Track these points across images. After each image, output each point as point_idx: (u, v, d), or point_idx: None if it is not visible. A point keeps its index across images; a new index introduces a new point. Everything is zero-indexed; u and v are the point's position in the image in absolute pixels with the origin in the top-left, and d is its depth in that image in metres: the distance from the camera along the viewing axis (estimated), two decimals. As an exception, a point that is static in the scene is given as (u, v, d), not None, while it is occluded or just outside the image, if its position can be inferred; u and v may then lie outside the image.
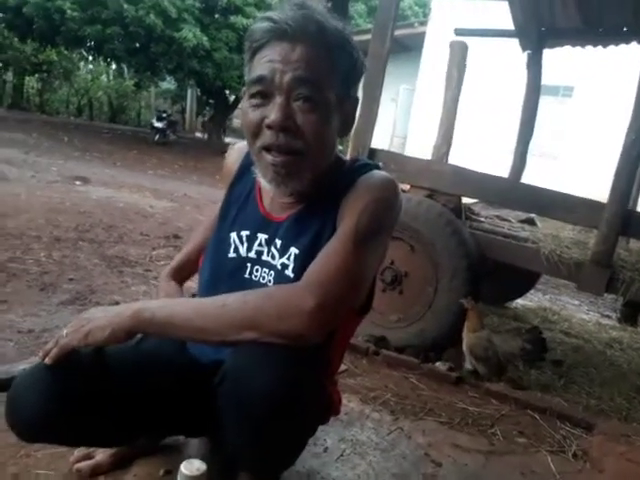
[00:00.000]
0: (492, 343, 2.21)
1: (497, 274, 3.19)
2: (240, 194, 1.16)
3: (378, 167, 1.10)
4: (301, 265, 1.03)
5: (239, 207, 1.15)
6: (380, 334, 2.42)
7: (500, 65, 8.20)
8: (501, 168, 4.20)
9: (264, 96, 0.95)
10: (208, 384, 1.00)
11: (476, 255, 2.40)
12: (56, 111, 20.17)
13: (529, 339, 2.40)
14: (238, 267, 1.11)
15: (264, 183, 1.02)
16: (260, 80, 0.94)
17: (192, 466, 0.92)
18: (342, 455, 1.49)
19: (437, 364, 2.25)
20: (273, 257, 1.07)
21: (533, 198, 2.51)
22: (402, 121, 11.20)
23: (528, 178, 3.00)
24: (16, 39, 15.87)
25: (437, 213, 2.42)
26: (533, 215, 3.33)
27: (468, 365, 2.25)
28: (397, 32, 8.75)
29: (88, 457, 1.23)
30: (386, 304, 2.48)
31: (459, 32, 4.37)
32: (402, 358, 2.26)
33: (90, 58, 18.81)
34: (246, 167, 1.16)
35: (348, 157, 1.15)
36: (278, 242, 1.07)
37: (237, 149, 1.23)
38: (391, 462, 1.50)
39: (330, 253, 0.97)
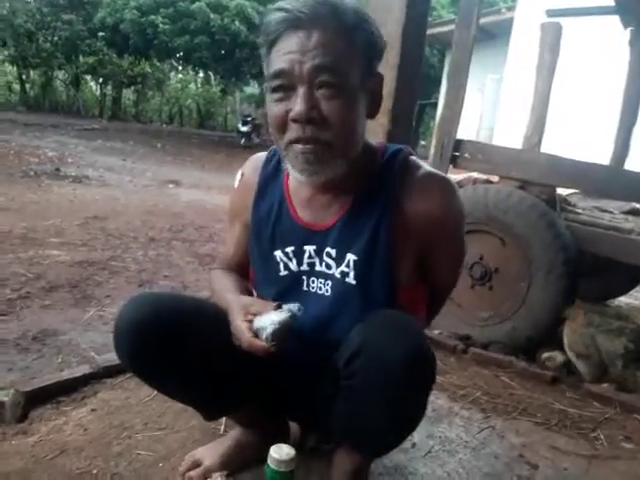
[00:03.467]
0: (594, 340, 2.06)
1: (597, 269, 2.97)
2: (269, 210, 1.12)
3: (409, 150, 1.08)
4: (361, 271, 1.03)
5: (273, 224, 1.11)
6: (467, 332, 2.34)
7: (597, 45, 7.64)
8: (601, 157, 3.90)
9: (286, 89, 0.92)
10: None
11: (573, 249, 2.25)
12: (150, 120, 21.56)
13: (634, 339, 2.21)
14: (294, 282, 1.10)
15: (296, 175, 0.98)
16: (280, 74, 0.92)
17: (282, 451, 0.94)
18: (430, 452, 1.44)
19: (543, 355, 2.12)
20: (329, 267, 1.06)
21: (639, 186, 2.31)
22: (489, 113, 10.76)
23: (634, 168, 2.75)
24: (114, 55, 17.19)
25: (530, 205, 2.29)
26: (639, 205, 3.07)
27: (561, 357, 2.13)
28: (483, 20, 8.46)
29: (197, 465, 1.22)
30: (475, 301, 2.39)
31: (551, 13, 4.12)
32: (493, 356, 2.16)
33: (179, 68, 19.93)
34: (268, 179, 1.13)
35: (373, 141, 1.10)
36: (332, 251, 1.05)
37: (254, 159, 1.20)
38: (482, 461, 1.43)
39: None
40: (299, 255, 1.09)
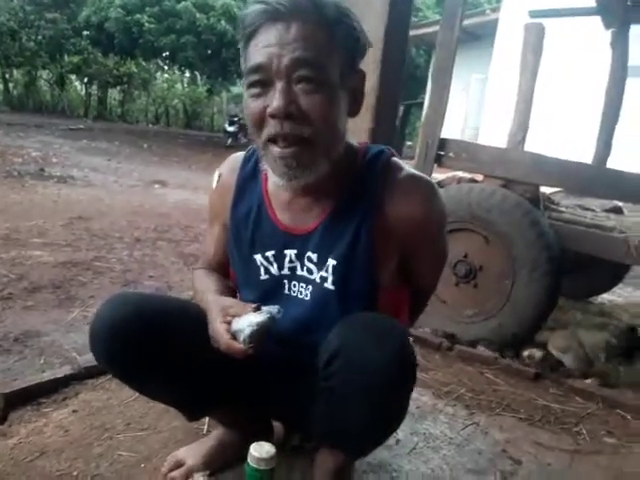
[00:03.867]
0: (577, 336, 2.08)
1: (580, 267, 3.00)
2: (248, 213, 1.09)
3: (391, 151, 1.06)
4: (340, 276, 1.02)
5: (252, 228, 1.09)
6: (453, 329, 2.35)
7: (580, 46, 7.73)
8: (584, 156, 3.95)
9: (264, 84, 0.89)
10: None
11: (557, 247, 2.27)
12: (136, 120, 21.39)
13: (617, 334, 2.24)
14: (275, 285, 1.09)
15: (275, 179, 0.96)
16: (257, 68, 0.88)
17: (262, 449, 0.94)
18: (414, 448, 1.45)
19: (524, 353, 2.14)
20: (310, 272, 1.05)
21: (620, 184, 2.33)
22: (474, 112, 10.83)
23: (616, 166, 2.78)
24: (100, 54, 17.03)
25: (513, 204, 2.30)
26: (620, 203, 3.11)
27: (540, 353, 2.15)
28: (468, 21, 8.50)
29: (179, 465, 1.21)
30: (460, 298, 2.41)
31: (534, 14, 4.16)
32: (477, 353, 2.17)
33: (166, 68, 19.81)
34: (246, 180, 1.10)
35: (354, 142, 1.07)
36: (313, 256, 1.03)
37: (231, 159, 1.17)
38: (466, 457, 1.44)
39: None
40: (280, 259, 1.07)
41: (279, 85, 0.87)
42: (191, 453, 1.23)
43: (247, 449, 0.99)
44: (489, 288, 2.35)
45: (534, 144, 3.35)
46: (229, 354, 0.95)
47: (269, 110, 0.88)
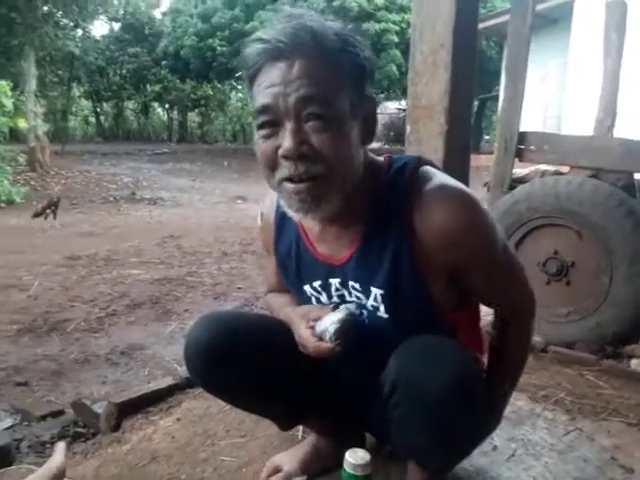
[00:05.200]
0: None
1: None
2: (289, 248, 1.10)
3: (419, 160, 1.00)
4: (391, 304, 1.00)
5: (295, 261, 1.09)
6: (546, 330, 2.24)
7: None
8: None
9: (273, 124, 0.86)
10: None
11: (659, 236, 2.11)
12: (215, 140, 22.40)
13: None
14: None
15: (292, 214, 0.94)
16: (265, 110, 0.86)
17: (357, 455, 0.95)
18: (513, 455, 1.40)
19: (632, 362, 2.00)
20: (359, 298, 1.04)
21: None
22: (555, 100, 10.28)
23: None
24: (177, 81, 18.12)
25: (606, 194, 2.17)
26: None
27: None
28: (541, 5, 8.11)
29: (277, 470, 1.25)
30: (552, 297, 2.29)
31: (615, -9, 3.89)
32: (576, 354, 2.06)
33: (239, 87, 20.60)
34: (283, 216, 1.07)
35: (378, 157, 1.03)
36: (356, 285, 1.02)
37: (269, 197, 1.15)
38: (571, 465, 1.37)
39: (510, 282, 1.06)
40: (327, 288, 1.08)
41: (289, 125, 0.85)
42: (287, 459, 1.27)
43: (341, 455, 1.01)
44: (584, 285, 2.22)
45: (624, 130, 3.14)
46: (319, 356, 0.99)
47: (281, 151, 0.86)
